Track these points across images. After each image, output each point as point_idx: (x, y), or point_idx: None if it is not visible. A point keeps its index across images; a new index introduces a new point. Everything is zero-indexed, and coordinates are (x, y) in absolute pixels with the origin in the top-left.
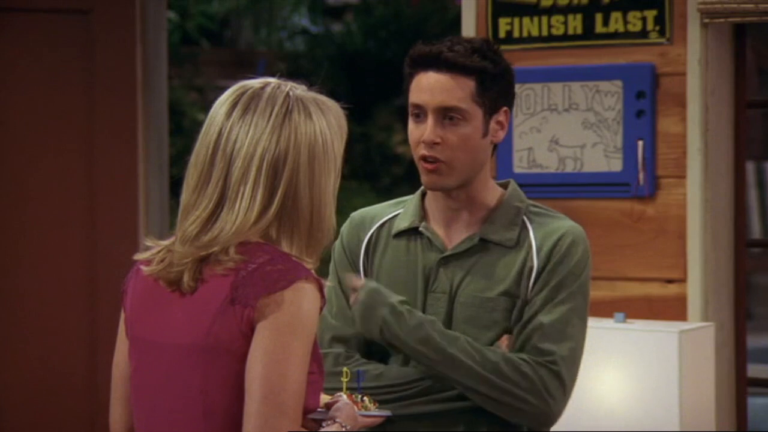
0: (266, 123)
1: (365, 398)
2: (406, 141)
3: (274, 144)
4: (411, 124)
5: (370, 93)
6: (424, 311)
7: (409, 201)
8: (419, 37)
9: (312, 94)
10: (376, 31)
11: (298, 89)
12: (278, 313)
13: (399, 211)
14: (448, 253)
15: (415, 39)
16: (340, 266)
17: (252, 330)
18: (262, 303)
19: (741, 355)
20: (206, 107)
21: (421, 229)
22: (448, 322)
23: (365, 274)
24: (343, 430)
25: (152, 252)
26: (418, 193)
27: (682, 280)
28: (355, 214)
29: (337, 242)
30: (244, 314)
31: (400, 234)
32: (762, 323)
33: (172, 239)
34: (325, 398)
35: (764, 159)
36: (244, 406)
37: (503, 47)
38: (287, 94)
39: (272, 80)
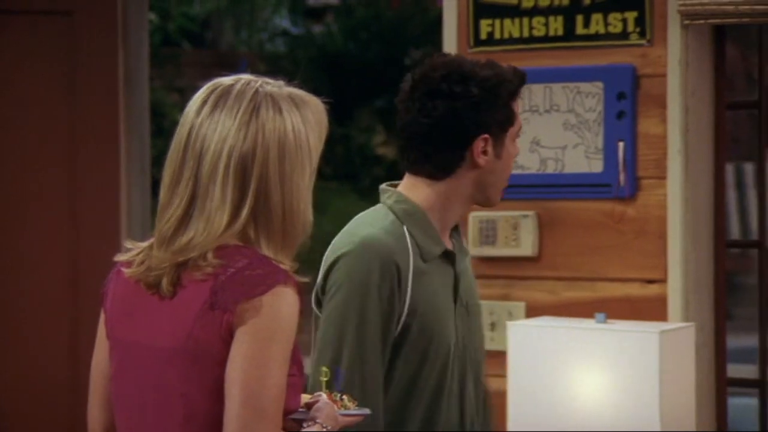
0: (233, 120)
1: (344, 397)
2: (386, 142)
3: (241, 141)
4: (513, 146)
5: (351, 94)
6: (456, 327)
7: (409, 219)
8: (400, 39)
9: (288, 90)
10: (356, 32)
11: (271, 85)
12: (257, 319)
13: (403, 232)
14: (459, 267)
15: (396, 40)
16: (372, 330)
17: (231, 335)
18: (242, 308)
19: (721, 355)
20: None
21: (452, 250)
22: (471, 334)
23: (406, 324)
24: (324, 430)
25: (132, 254)
26: (417, 210)
27: (663, 281)
28: (380, 260)
29: (365, 299)
30: (223, 319)
31: (430, 259)
32: (741, 323)
33: (152, 240)
34: (305, 398)
35: (741, 160)
36: (225, 411)
37: (485, 49)
38: (256, 90)
39: (244, 77)
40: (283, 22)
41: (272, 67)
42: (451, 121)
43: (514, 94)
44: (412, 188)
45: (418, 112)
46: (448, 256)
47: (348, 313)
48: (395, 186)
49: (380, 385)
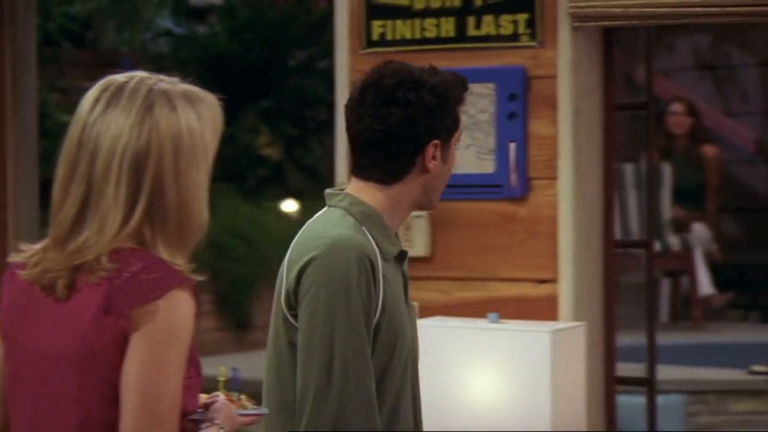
0: (126, 118)
1: (242, 396)
2: (271, 143)
3: (135, 139)
4: (455, 151)
5: (236, 95)
6: (411, 324)
7: (366, 220)
8: (284, 40)
9: (182, 87)
10: (240, 32)
11: (165, 82)
12: (153, 324)
13: (364, 232)
14: (406, 267)
15: (280, 41)
16: (357, 322)
17: (126, 340)
18: (137, 314)
19: (610, 354)
20: (70, 109)
21: (406, 249)
22: (415, 334)
23: (378, 321)
24: (222, 431)
25: (26, 255)
26: (373, 212)
27: (554, 281)
28: (356, 256)
29: (348, 296)
30: (118, 325)
31: (389, 259)
32: (622, 322)
33: (46, 241)
34: (203, 398)
35: (621, 161)
36: (120, 416)
37: (377, 50)
38: (150, 88)
39: (138, 74)
40: (166, 22)
41: (156, 68)
42: (405, 127)
43: (460, 99)
44: (361, 192)
45: (371, 119)
46: (401, 257)
47: (335, 310)
48: (340, 190)
49: (373, 378)
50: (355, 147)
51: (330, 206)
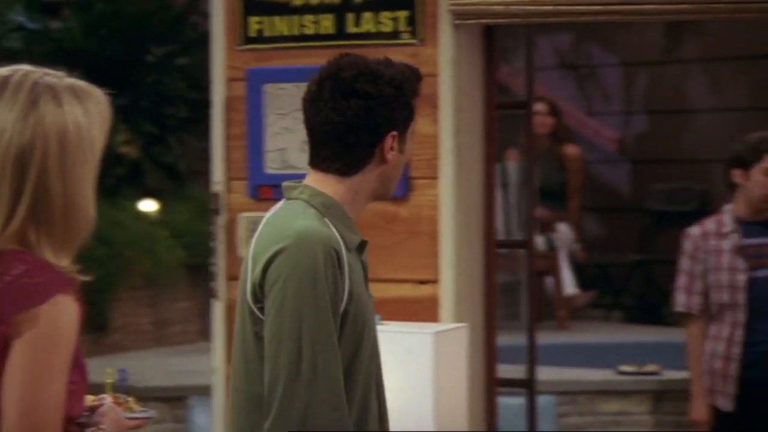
0: (9, 112)
1: (130, 399)
2: (129, 141)
3: (18, 134)
4: (411, 141)
5: None
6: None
7: (328, 211)
8: (141, 35)
9: (69, 81)
10: (96, 28)
11: (51, 76)
12: (35, 330)
13: (327, 223)
14: (365, 257)
15: (137, 37)
16: (325, 312)
17: (8, 347)
18: (19, 320)
19: (491, 355)
20: None
21: (365, 239)
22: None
23: (345, 310)
24: None
25: None
26: (334, 203)
27: (435, 281)
28: (323, 247)
29: (316, 287)
30: None
31: (352, 249)
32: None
33: None
34: (90, 399)
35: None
36: (1, 424)
37: (254, 46)
38: (35, 81)
39: (23, 67)
40: (19, 17)
41: (9, 64)
42: (365, 119)
43: (415, 90)
44: (321, 183)
45: (331, 111)
46: (362, 247)
47: (302, 301)
48: (298, 183)
49: (341, 368)
50: (315, 139)
51: (289, 199)
